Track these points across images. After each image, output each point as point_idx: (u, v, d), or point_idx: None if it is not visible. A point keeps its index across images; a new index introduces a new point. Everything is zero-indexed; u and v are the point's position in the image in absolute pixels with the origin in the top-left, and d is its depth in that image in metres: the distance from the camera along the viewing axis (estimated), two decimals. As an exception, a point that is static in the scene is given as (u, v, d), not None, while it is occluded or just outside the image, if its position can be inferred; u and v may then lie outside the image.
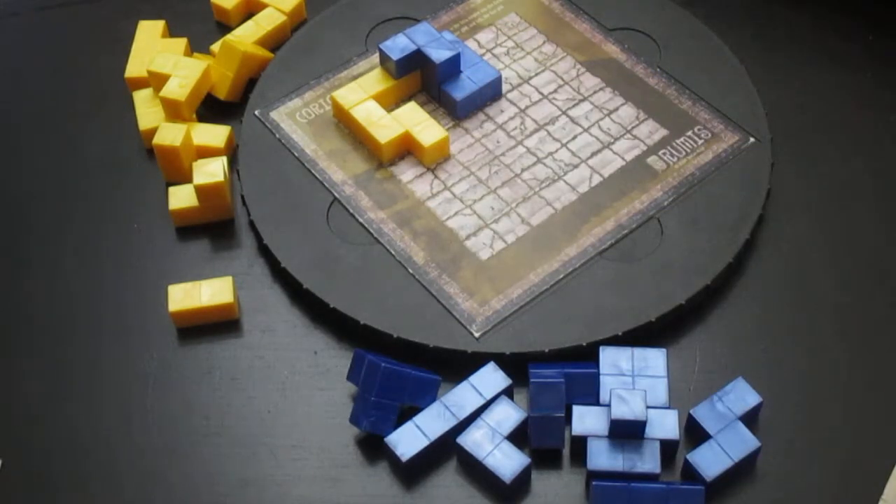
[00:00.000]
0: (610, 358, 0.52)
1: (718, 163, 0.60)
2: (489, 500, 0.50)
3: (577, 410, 0.50)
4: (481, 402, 0.51)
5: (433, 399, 0.51)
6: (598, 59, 0.66)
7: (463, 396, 0.51)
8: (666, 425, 0.50)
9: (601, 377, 0.52)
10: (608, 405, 0.49)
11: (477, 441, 0.50)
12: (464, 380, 0.52)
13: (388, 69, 0.63)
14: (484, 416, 0.50)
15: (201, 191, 0.58)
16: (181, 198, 0.59)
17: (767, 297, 0.56)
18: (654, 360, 0.52)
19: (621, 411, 0.48)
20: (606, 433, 0.49)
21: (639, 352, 0.52)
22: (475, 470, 0.50)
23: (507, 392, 0.52)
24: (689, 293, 0.55)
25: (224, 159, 0.60)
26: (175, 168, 0.61)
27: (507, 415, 0.50)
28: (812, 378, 0.53)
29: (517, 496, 0.50)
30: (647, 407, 0.49)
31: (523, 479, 0.50)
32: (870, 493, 0.49)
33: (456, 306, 0.55)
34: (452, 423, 0.50)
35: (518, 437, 0.50)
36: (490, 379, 0.52)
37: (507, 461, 0.49)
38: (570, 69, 0.65)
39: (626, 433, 0.49)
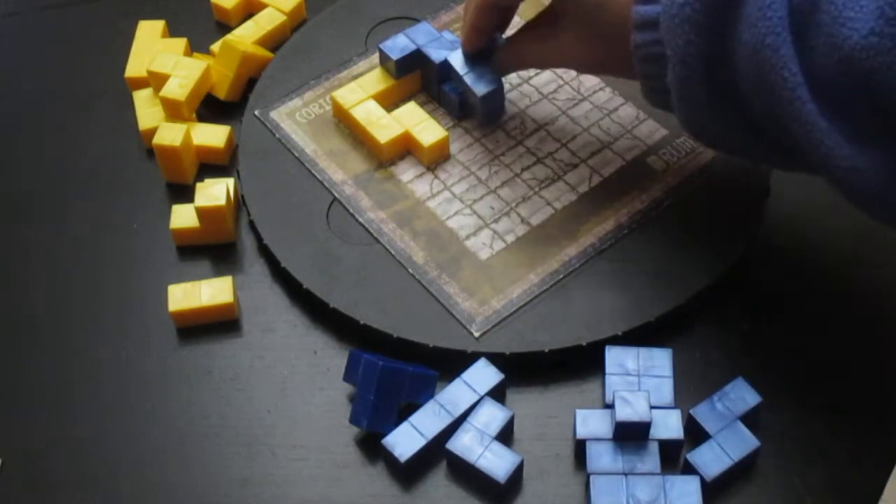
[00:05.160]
0: (615, 358, 0.52)
1: (718, 163, 0.60)
2: (488, 498, 0.50)
3: (581, 414, 0.50)
4: (475, 398, 0.51)
5: (432, 394, 0.51)
6: (598, 59, 0.66)
7: (457, 394, 0.51)
8: (670, 425, 0.50)
9: (606, 377, 0.52)
10: (612, 407, 0.49)
11: (466, 445, 0.50)
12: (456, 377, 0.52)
13: (387, 69, 0.63)
14: (470, 419, 0.50)
15: (202, 213, 0.58)
16: (183, 217, 0.59)
17: (768, 296, 0.56)
18: (660, 359, 0.52)
19: (626, 413, 0.48)
20: (611, 436, 0.49)
21: (644, 351, 0.52)
22: (468, 473, 0.50)
23: (501, 386, 0.52)
24: (689, 293, 0.55)
25: (230, 182, 0.59)
26: (175, 168, 0.61)
27: (493, 416, 0.50)
28: (812, 378, 0.53)
29: (513, 493, 0.50)
30: (652, 407, 0.49)
31: (517, 477, 0.50)
32: (870, 493, 0.49)
33: (456, 306, 0.55)
34: (448, 420, 0.50)
35: (505, 435, 0.51)
36: (482, 374, 0.52)
37: (499, 461, 0.49)
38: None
39: (631, 435, 0.49)
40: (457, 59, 0.61)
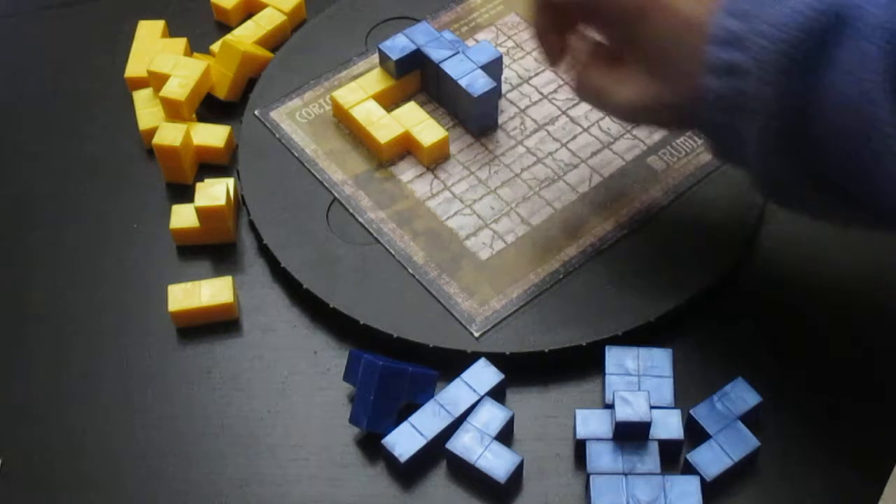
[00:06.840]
0: (615, 358, 0.52)
1: (718, 163, 0.60)
2: (488, 498, 0.50)
3: (581, 414, 0.50)
4: (475, 398, 0.51)
5: (432, 394, 0.51)
6: (598, 59, 0.66)
7: (457, 394, 0.51)
8: (670, 425, 0.50)
9: (606, 377, 0.52)
10: (612, 407, 0.49)
11: (466, 445, 0.50)
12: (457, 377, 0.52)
13: (387, 69, 0.63)
14: (470, 419, 0.50)
15: (202, 213, 0.58)
16: (183, 217, 0.59)
17: (767, 296, 0.56)
18: (660, 359, 0.52)
19: (626, 413, 0.48)
20: (611, 436, 0.49)
21: (644, 352, 0.52)
22: (468, 473, 0.50)
23: (500, 386, 0.52)
24: (689, 293, 0.55)
25: (230, 182, 0.59)
26: (175, 168, 0.61)
27: (493, 416, 0.50)
28: (812, 378, 0.53)
29: (513, 493, 0.50)
30: (651, 407, 0.49)
31: (517, 477, 0.50)
32: (870, 493, 0.49)
33: (456, 306, 0.55)
34: (448, 420, 0.50)
35: (505, 435, 0.51)
36: (482, 374, 0.52)
37: (499, 461, 0.49)
38: (570, 69, 0.65)
39: (631, 435, 0.49)
40: (450, 65, 0.61)
